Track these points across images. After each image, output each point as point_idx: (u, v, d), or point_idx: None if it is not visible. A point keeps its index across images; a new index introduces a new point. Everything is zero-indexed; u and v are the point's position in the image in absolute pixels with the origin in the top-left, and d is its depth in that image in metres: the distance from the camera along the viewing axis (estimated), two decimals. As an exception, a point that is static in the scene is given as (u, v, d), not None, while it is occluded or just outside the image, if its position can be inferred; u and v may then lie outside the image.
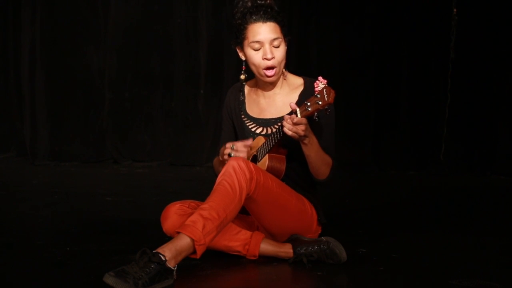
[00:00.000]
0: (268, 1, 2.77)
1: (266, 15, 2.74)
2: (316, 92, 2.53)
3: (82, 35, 6.30)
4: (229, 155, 2.76)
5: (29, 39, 6.25)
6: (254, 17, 2.75)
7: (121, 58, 6.33)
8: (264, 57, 2.75)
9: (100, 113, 6.35)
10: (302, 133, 2.55)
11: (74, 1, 6.29)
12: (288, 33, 2.82)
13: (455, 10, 5.93)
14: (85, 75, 6.33)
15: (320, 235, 2.86)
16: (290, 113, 2.61)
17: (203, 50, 6.27)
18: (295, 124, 2.54)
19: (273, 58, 2.75)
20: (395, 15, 6.11)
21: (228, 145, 2.79)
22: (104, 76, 6.35)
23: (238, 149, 2.77)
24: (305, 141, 2.61)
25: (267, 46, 2.74)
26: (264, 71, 2.77)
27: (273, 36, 2.74)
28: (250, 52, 2.78)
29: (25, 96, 6.30)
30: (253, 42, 2.75)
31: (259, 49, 2.76)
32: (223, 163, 2.79)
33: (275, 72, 2.78)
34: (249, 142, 2.80)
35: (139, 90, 6.36)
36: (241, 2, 2.80)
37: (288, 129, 2.55)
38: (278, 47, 2.76)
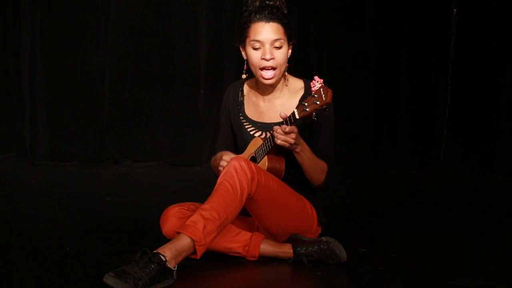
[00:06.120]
0: (277, 3, 2.73)
1: (270, 15, 2.71)
2: (313, 92, 2.50)
3: (82, 35, 6.29)
4: None
5: (29, 39, 6.25)
6: (258, 16, 2.72)
7: (121, 58, 6.32)
8: (263, 57, 2.72)
9: (100, 113, 6.35)
10: (292, 141, 2.55)
11: (74, 1, 6.29)
12: (294, 37, 2.78)
13: (455, 10, 5.93)
14: (85, 75, 6.33)
15: (320, 235, 2.86)
16: (281, 123, 2.60)
17: (203, 50, 6.26)
18: (286, 133, 2.53)
19: (272, 59, 2.72)
20: (395, 15, 6.11)
21: (226, 157, 2.76)
22: (104, 76, 6.34)
23: None
24: (297, 150, 2.61)
25: (267, 46, 2.71)
26: (261, 72, 2.74)
27: (274, 36, 2.71)
28: (250, 51, 2.75)
29: (25, 96, 6.29)
30: (254, 40, 2.72)
31: (259, 49, 2.73)
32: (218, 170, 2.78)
33: (274, 74, 2.74)
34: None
35: (139, 90, 6.35)
36: (249, 1, 2.77)
37: (279, 139, 2.55)
38: (279, 48, 2.73)
